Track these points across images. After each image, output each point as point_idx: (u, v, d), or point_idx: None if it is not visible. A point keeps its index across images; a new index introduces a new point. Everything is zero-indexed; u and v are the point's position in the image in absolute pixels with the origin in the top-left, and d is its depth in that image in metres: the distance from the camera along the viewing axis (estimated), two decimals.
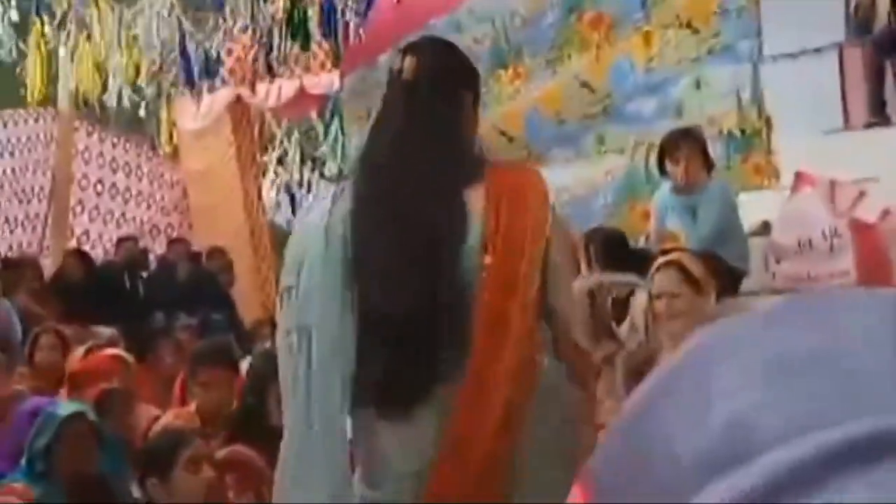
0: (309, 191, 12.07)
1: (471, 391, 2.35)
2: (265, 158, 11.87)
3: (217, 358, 4.60)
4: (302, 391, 2.41)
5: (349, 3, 9.30)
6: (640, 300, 5.02)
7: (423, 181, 2.46)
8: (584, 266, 5.11)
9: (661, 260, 4.61)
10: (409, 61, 2.58)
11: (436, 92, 2.55)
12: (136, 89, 10.57)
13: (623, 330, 4.71)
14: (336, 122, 10.67)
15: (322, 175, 11.76)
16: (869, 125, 6.39)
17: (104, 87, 10.36)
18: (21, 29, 10.21)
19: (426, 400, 2.35)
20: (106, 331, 7.04)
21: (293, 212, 11.82)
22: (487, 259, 2.38)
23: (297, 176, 12.33)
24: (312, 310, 2.42)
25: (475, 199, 2.43)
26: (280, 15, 9.51)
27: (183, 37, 9.98)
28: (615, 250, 5.16)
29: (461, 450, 2.35)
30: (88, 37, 10.23)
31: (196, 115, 10.75)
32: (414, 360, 2.36)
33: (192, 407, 4.41)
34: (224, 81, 10.49)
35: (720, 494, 0.37)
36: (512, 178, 2.54)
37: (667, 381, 0.43)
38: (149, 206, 11.41)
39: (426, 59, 2.60)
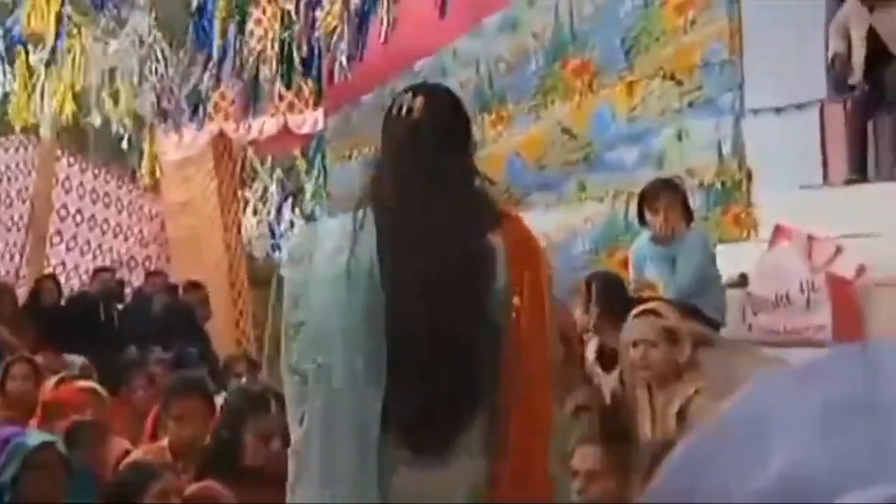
0: (292, 227, 12.06)
1: (516, 463, 2.38)
2: (246, 193, 11.86)
3: (191, 390, 4.57)
4: (318, 430, 2.40)
5: (334, 43, 9.35)
6: (592, 346, 5.04)
7: (450, 223, 2.50)
8: (581, 308, 5.11)
9: (638, 308, 4.62)
10: (418, 101, 2.59)
11: (448, 132, 2.61)
12: (117, 122, 10.58)
13: (613, 379, 4.72)
14: (319, 160, 10.69)
15: (302, 212, 11.76)
16: (848, 182, 6.44)
17: (85, 117, 10.37)
18: (7, 58, 10.23)
19: (461, 441, 2.37)
20: (77, 359, 6.99)
21: (272, 247, 11.80)
22: (517, 301, 2.40)
23: (276, 212, 12.32)
24: (334, 348, 2.41)
25: (497, 242, 2.47)
26: (268, 52, 9.55)
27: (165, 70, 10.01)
28: (615, 292, 5.17)
29: None
30: (72, 66, 10.24)
31: (178, 145, 10.75)
32: (452, 400, 2.37)
33: (164, 442, 4.37)
34: (210, 118, 10.51)
35: None
36: (523, 227, 2.63)
37: (722, 428, 0.45)
38: (127, 238, 11.38)
39: (435, 100, 2.63)
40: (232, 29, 9.51)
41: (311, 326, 2.45)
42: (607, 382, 4.77)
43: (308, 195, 11.56)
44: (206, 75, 9.89)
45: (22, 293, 9.57)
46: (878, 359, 0.43)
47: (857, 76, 6.40)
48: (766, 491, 0.40)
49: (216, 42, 9.60)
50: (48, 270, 10.63)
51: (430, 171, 2.57)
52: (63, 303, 9.46)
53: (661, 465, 0.47)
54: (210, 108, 10.51)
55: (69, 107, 10.30)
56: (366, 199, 2.56)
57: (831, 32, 6.52)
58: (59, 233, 10.97)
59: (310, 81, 10.03)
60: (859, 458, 0.39)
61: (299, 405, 2.47)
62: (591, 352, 5.10)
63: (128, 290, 10.19)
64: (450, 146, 2.59)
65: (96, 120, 10.37)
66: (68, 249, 11.05)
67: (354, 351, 2.39)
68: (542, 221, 8.63)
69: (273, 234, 12.05)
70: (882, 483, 0.38)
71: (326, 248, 2.50)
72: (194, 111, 10.17)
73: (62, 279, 10.38)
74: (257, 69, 9.71)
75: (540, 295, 2.47)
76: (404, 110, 2.61)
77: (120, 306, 9.51)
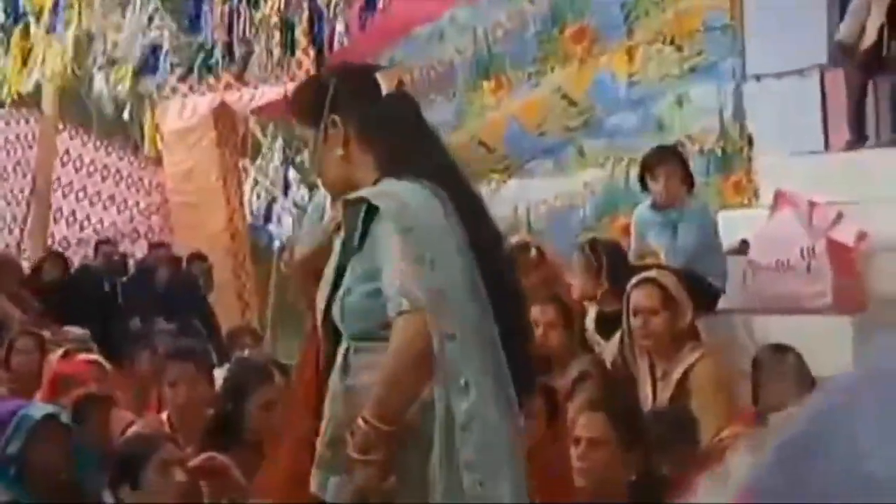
0: (287, 192, 12.04)
1: None
2: (247, 164, 11.84)
3: (183, 355, 4.62)
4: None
5: (337, 11, 9.31)
6: (591, 314, 5.06)
7: (475, 193, 2.75)
8: (587, 275, 5.12)
9: (639, 276, 4.64)
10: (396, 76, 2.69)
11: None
12: (119, 94, 10.57)
13: (613, 346, 4.73)
14: None
15: (305, 181, 11.74)
16: (847, 147, 6.43)
17: (88, 89, 10.37)
18: (6, 29, 10.20)
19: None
20: (78, 331, 7.01)
21: (268, 218, 11.79)
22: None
23: (278, 182, 12.30)
24: (456, 309, 2.43)
25: None
26: (274, 19, 9.52)
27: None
28: (618, 260, 5.18)
29: None
30: (74, 39, 10.22)
31: (180, 116, 10.73)
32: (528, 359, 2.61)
33: (164, 414, 4.41)
34: (212, 88, 10.48)
35: None
36: None
37: (849, 394, 0.42)
38: (129, 211, 11.38)
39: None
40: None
41: (432, 265, 2.46)
42: (607, 350, 4.79)
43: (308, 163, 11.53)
44: (210, 41, 9.88)
45: (24, 267, 9.59)
46: None
47: (867, 43, 6.35)
48: (889, 475, 0.39)
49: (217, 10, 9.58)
50: (50, 243, 10.65)
51: (438, 139, 2.70)
52: (67, 277, 9.49)
53: (756, 459, 0.46)
54: (212, 78, 10.50)
55: (67, 78, 10.29)
56: (412, 170, 2.59)
57: (849, 11, 6.44)
58: (60, 207, 10.98)
59: (310, 50, 10.00)
60: None
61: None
62: (590, 320, 5.12)
63: (130, 262, 10.21)
64: None
65: (102, 91, 10.36)
66: (69, 223, 11.06)
67: (477, 314, 2.46)
68: (542, 188, 8.65)
69: (271, 205, 12.01)
70: None
71: (433, 216, 2.51)
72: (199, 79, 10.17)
73: (66, 252, 10.39)
74: (257, 37, 9.68)
75: None
76: (394, 85, 2.64)
77: (123, 279, 9.52)
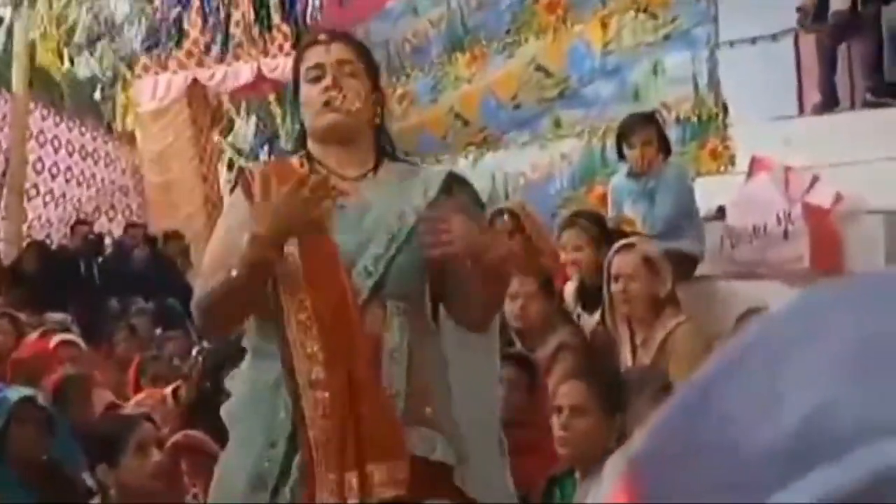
0: None
1: None
2: (221, 141, 11.77)
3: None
4: None
5: None
6: (569, 287, 5.05)
7: None
8: (589, 248, 5.10)
9: (619, 243, 4.63)
10: None
11: None
12: (91, 73, 10.47)
13: (594, 318, 4.73)
14: (295, 105, 10.61)
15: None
16: (818, 111, 6.44)
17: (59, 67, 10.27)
18: None
19: None
20: (59, 317, 6.97)
21: None
22: None
23: (252, 160, 12.24)
24: None
25: None
26: None
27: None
28: (602, 230, 5.17)
29: None
30: (42, 17, 10.11)
31: (153, 95, 10.65)
32: None
33: (167, 389, 4.42)
34: (183, 66, 10.40)
35: (811, 493, 0.33)
36: None
37: (731, 364, 0.38)
38: (103, 190, 11.30)
39: None
40: None
41: None
42: (588, 321, 4.79)
43: (283, 141, 11.48)
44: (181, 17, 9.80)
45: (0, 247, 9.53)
46: None
47: (836, 5, 6.34)
48: (777, 442, 0.34)
49: None
50: (26, 225, 10.57)
51: None
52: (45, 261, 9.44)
53: (657, 411, 0.41)
54: (182, 55, 10.41)
55: (42, 57, 10.19)
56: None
57: None
58: (35, 186, 10.89)
59: (283, 25, 9.93)
60: (892, 400, 0.33)
61: None
62: (568, 293, 5.11)
63: (107, 242, 10.14)
64: None
65: (79, 70, 10.25)
66: (45, 203, 10.98)
67: None
68: (519, 159, 8.63)
69: None
70: None
71: None
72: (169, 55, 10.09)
73: (41, 232, 10.32)
74: (229, 13, 9.61)
75: None
76: None
77: (100, 259, 9.47)
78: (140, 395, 4.46)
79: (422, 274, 2.47)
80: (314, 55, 2.62)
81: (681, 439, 0.38)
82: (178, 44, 10.45)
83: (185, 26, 10.35)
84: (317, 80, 2.59)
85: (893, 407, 0.33)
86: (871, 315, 0.36)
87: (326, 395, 2.31)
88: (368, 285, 2.41)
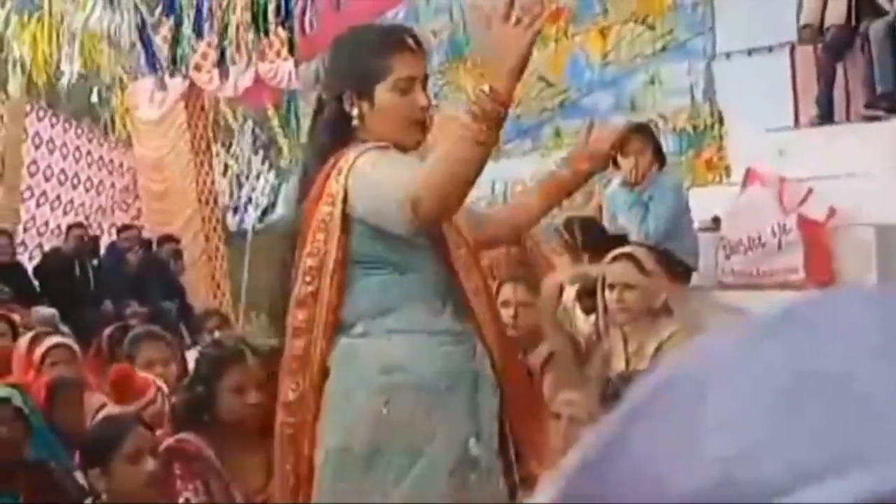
0: (258, 178, 11.98)
1: None
2: (218, 148, 11.77)
3: (153, 335, 4.64)
4: None
5: None
6: (569, 294, 5.05)
7: None
8: (569, 256, 5.10)
9: (615, 252, 4.64)
10: None
11: None
12: (88, 76, 10.47)
13: (590, 323, 4.73)
14: (293, 112, 10.63)
15: (273, 165, 11.70)
16: (815, 123, 6.45)
17: (57, 73, 10.25)
18: None
19: None
20: (46, 311, 6.95)
21: (239, 202, 11.73)
22: None
23: (248, 167, 12.25)
24: None
25: None
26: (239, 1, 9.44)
27: (143, 24, 9.89)
28: (597, 235, 5.17)
29: None
30: (41, 21, 10.11)
31: (151, 102, 10.64)
32: None
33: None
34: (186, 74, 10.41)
35: None
36: None
37: (646, 404, 0.35)
38: (98, 193, 11.29)
39: None
40: None
41: None
42: (585, 326, 4.79)
43: (285, 149, 11.47)
44: (181, 26, 9.78)
45: None
46: (850, 311, 0.35)
47: (831, 20, 6.36)
48: (696, 491, 0.31)
49: None
50: (20, 227, 10.56)
51: None
52: (38, 261, 9.45)
53: (574, 450, 0.38)
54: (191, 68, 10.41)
55: (40, 62, 10.19)
56: None
57: None
58: (29, 188, 10.88)
59: (280, 31, 9.94)
60: (833, 437, 0.31)
61: None
62: (569, 298, 5.11)
63: (102, 246, 10.13)
64: None
65: (67, 75, 10.24)
66: (38, 205, 10.96)
67: None
68: (520, 168, 8.64)
69: (240, 189, 11.94)
70: (850, 474, 0.30)
71: None
72: (175, 65, 10.07)
73: (33, 235, 10.32)
74: (226, 18, 9.60)
75: None
76: None
77: (94, 262, 9.46)
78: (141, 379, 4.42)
79: None
80: (407, 65, 2.61)
81: (592, 489, 0.34)
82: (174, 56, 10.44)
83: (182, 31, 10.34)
84: (405, 91, 2.60)
85: (823, 451, 0.30)
86: (802, 349, 0.33)
87: None
88: None
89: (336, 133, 2.64)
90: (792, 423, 0.31)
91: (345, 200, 2.55)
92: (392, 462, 2.50)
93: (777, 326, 0.35)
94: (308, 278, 2.60)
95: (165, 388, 4.17)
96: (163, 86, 10.04)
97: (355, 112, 2.63)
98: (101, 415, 4.11)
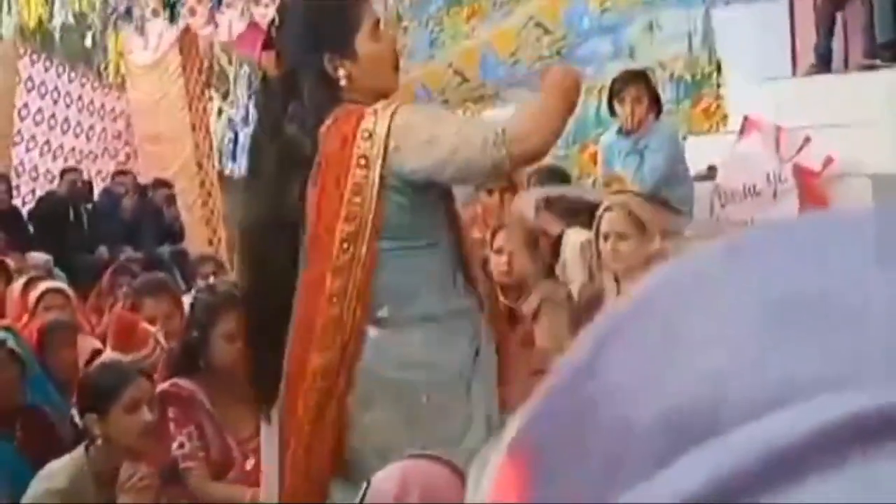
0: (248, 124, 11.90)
1: None
2: (212, 93, 11.68)
3: (157, 289, 4.63)
4: None
5: None
6: (573, 239, 5.05)
7: None
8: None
9: (608, 201, 4.63)
10: None
11: None
12: (81, 17, 10.37)
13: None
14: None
15: None
16: (811, 72, 6.42)
17: (50, 15, 10.16)
18: None
19: None
20: (41, 257, 6.94)
21: (235, 149, 11.67)
22: None
23: (241, 113, 12.15)
24: None
25: None
26: None
27: None
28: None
29: None
30: None
31: (146, 46, 10.55)
32: None
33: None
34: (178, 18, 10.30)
35: (686, 479, 0.29)
36: None
37: (619, 325, 0.34)
38: (89, 138, 11.23)
39: None
40: None
41: None
42: (576, 273, 4.79)
43: None
44: None
45: None
46: (842, 228, 0.34)
47: None
48: (664, 414, 0.30)
49: None
50: (11, 172, 10.51)
51: None
52: (32, 206, 9.42)
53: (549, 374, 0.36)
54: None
55: (34, 5, 10.09)
56: None
57: None
58: (19, 132, 10.81)
59: None
60: (801, 365, 0.30)
61: None
62: (572, 248, 5.09)
63: (96, 190, 10.10)
64: None
65: (60, 18, 10.15)
66: (28, 149, 10.89)
67: None
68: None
69: (236, 137, 11.87)
70: (826, 395, 0.29)
71: None
72: (163, 5, 9.98)
73: (27, 180, 10.28)
74: None
75: None
76: None
77: (88, 206, 9.44)
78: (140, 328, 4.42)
79: None
80: (370, 9, 2.61)
81: (569, 412, 0.33)
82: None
83: None
84: (378, 37, 2.59)
85: (815, 367, 0.29)
86: (790, 265, 0.32)
87: None
88: None
89: (323, 99, 2.57)
90: (781, 340, 0.30)
91: (383, 164, 2.50)
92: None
93: (764, 242, 0.34)
94: (345, 245, 2.54)
95: (164, 344, 4.17)
96: (143, 30, 9.96)
97: (342, 73, 2.58)
98: (100, 360, 4.13)
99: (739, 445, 0.28)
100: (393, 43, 2.61)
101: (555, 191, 4.83)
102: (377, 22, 2.58)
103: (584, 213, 4.74)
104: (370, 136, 2.48)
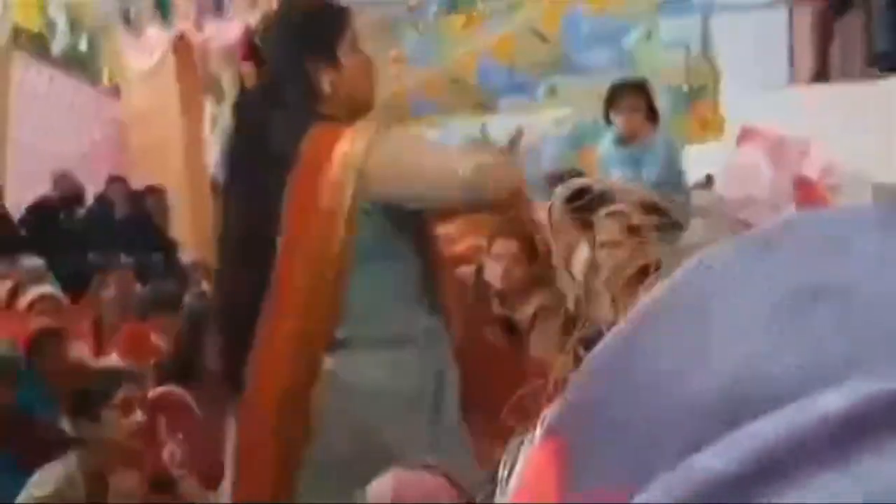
0: None
1: None
2: (206, 99, 11.67)
3: (167, 308, 4.67)
4: None
5: None
6: (582, 255, 5.01)
7: None
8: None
9: (605, 209, 4.60)
10: None
11: None
12: (76, 22, 10.36)
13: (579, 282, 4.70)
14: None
15: None
16: (809, 80, 6.42)
17: (44, 20, 10.15)
18: None
19: None
20: (34, 261, 6.90)
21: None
22: None
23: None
24: None
25: None
26: None
27: None
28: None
29: None
30: None
31: (141, 50, 10.54)
32: None
33: None
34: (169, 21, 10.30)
35: (734, 453, 0.30)
36: None
37: (655, 310, 0.36)
38: (84, 143, 11.19)
39: None
40: None
41: None
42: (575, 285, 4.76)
43: None
44: None
45: None
46: (857, 225, 0.35)
47: None
48: (707, 393, 0.31)
49: None
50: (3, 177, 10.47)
51: None
52: (24, 211, 9.37)
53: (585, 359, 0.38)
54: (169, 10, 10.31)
55: (28, 10, 10.08)
56: None
57: None
58: (13, 137, 10.77)
59: None
60: (831, 350, 0.31)
61: None
62: (579, 260, 5.05)
63: (88, 196, 10.05)
64: None
65: (55, 24, 10.14)
66: (20, 155, 10.84)
67: None
68: (513, 125, 8.56)
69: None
70: (856, 378, 0.30)
71: None
72: (157, 12, 9.98)
73: (18, 184, 10.23)
74: None
75: None
76: None
77: (80, 211, 9.41)
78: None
79: None
80: (349, 20, 2.61)
81: (602, 397, 0.34)
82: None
83: None
84: (358, 49, 2.63)
85: (831, 357, 0.31)
86: (803, 260, 0.34)
87: None
88: None
89: (306, 108, 2.57)
90: (798, 333, 0.31)
91: (356, 188, 2.50)
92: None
93: (778, 238, 0.35)
94: (314, 264, 2.57)
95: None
96: (138, 36, 9.95)
97: (326, 80, 2.57)
98: (92, 365, 4.12)
99: (770, 428, 0.30)
100: (369, 59, 2.60)
101: (576, 182, 4.79)
102: (355, 33, 2.59)
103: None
104: (345, 159, 2.48)
